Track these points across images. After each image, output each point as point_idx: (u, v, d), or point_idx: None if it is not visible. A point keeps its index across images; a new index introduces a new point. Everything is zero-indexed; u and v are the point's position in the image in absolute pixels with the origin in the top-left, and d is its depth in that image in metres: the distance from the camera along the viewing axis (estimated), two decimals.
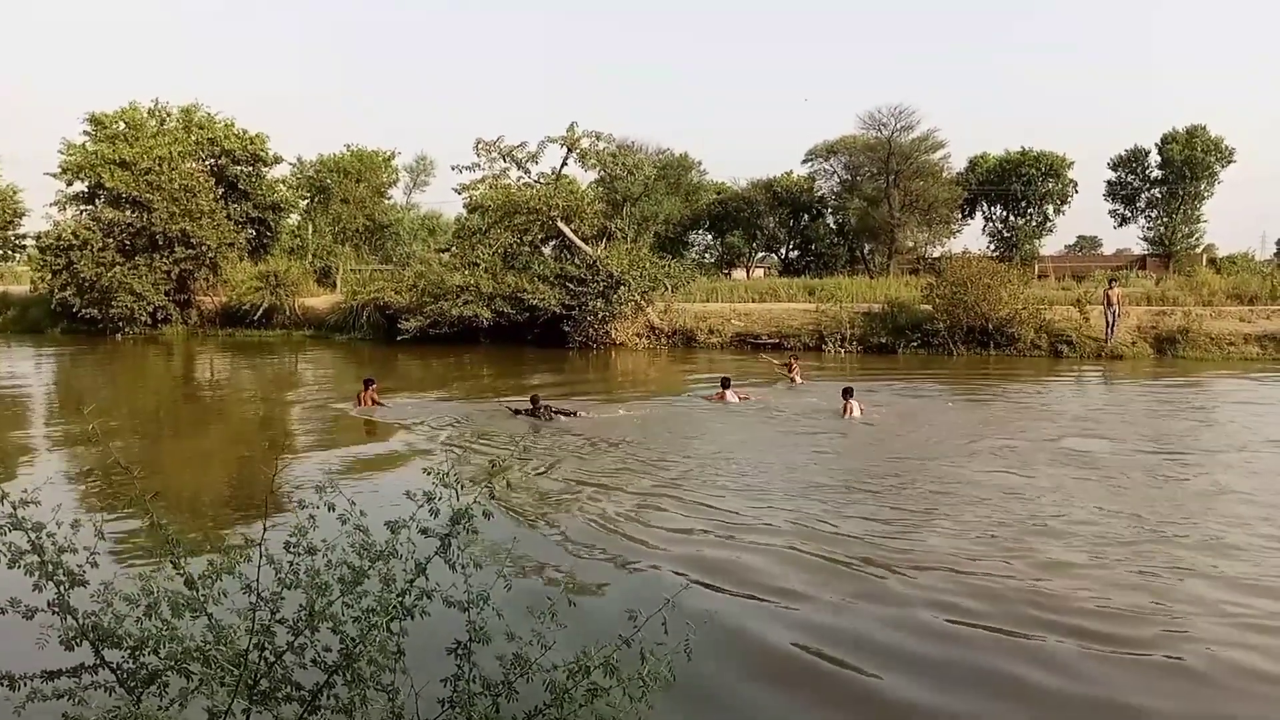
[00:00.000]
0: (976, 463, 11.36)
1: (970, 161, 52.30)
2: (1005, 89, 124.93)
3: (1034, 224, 51.50)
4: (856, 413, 14.72)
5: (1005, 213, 52.16)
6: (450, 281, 29.83)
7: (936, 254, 48.31)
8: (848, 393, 15.09)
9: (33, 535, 3.10)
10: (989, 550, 7.70)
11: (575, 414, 14.87)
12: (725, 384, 16.60)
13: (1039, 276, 37.41)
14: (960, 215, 51.72)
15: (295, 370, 25.46)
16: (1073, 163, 50.11)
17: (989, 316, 25.55)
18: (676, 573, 7.05)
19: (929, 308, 26.87)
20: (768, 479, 10.48)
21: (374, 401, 15.54)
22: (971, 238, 69.60)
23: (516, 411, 14.71)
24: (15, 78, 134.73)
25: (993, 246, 50.64)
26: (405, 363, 26.30)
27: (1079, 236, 70.71)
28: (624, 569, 7.31)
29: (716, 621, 5.48)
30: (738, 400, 16.32)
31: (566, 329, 28.90)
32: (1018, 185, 50.07)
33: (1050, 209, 51.26)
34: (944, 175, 48.70)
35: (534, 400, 14.69)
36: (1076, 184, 50.98)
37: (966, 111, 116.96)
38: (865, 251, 52.13)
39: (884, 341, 26.89)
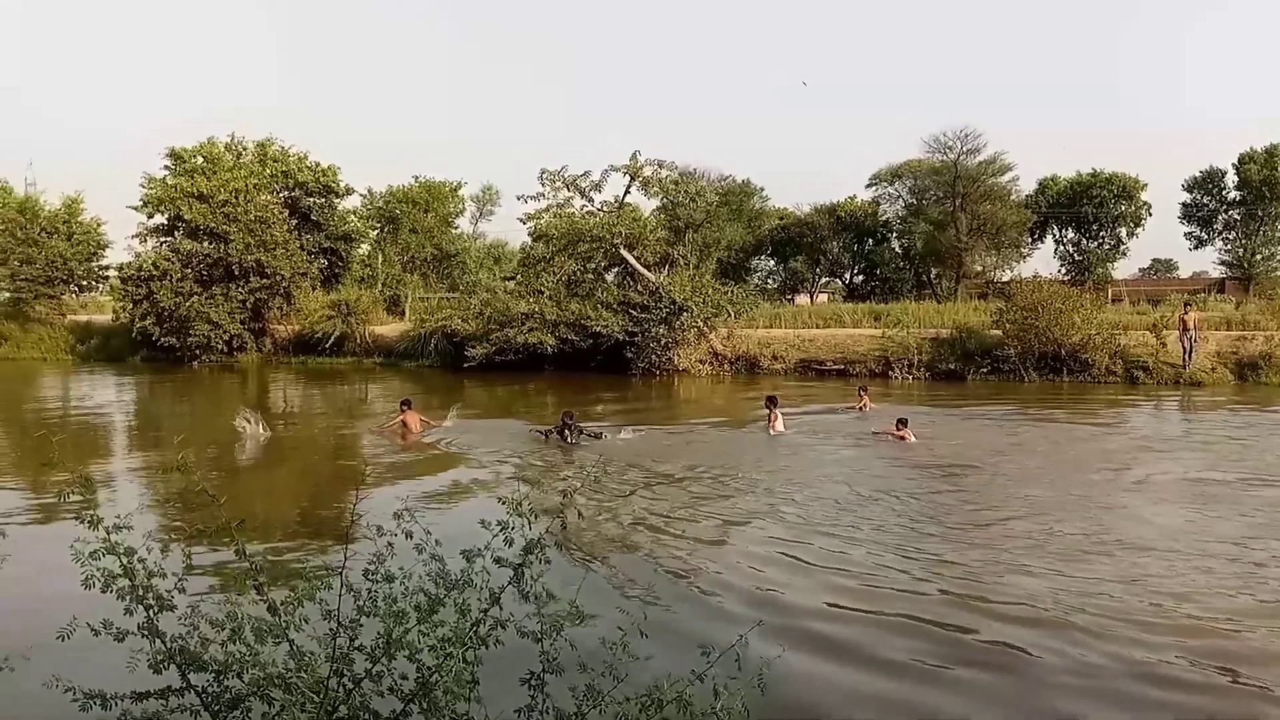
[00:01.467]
0: (1054, 493, 11.09)
1: (1040, 184, 51.37)
2: (1073, 110, 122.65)
3: (1106, 247, 50.30)
4: (911, 439, 14.85)
5: (1077, 236, 51.08)
6: (515, 309, 30.26)
7: (1006, 278, 47.44)
8: (902, 423, 15.19)
9: (125, 560, 3.22)
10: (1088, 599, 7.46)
11: (602, 435, 14.90)
12: (772, 402, 16.40)
13: (1113, 301, 36.57)
14: (1030, 238, 50.77)
15: (366, 397, 25.97)
16: (1146, 185, 48.97)
17: (1061, 342, 24.99)
18: (750, 609, 6.93)
19: (999, 333, 26.37)
20: (843, 512, 10.21)
21: (423, 423, 15.71)
22: (1042, 261, 68.29)
23: (545, 434, 14.67)
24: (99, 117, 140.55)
25: (1064, 270, 49.54)
26: (471, 389, 26.66)
27: (1153, 260, 69.15)
28: (696, 603, 7.21)
29: (786, 662, 5.40)
30: (782, 427, 16.07)
31: (629, 355, 29.03)
32: (1089, 208, 49.00)
33: (1123, 232, 50.07)
34: (1013, 198, 47.88)
35: (565, 417, 14.55)
36: (1150, 206, 49.75)
37: (1035, 133, 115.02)
38: (932, 276, 51.46)
39: (952, 368, 26.42)
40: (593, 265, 32.39)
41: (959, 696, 5.58)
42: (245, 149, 43.93)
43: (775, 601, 7.23)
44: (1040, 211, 49.98)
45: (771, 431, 15.81)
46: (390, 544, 3.27)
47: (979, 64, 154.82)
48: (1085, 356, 24.98)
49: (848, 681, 5.77)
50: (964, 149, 46.11)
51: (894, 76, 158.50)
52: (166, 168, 41.91)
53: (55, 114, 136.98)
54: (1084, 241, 50.73)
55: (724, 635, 3.51)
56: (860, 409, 18.78)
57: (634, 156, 31.65)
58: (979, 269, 50.11)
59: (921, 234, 49.45)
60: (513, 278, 37.96)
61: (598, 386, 25.86)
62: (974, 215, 46.39)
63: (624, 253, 31.14)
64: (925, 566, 7.99)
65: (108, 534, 3.25)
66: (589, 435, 14.70)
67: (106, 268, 45.14)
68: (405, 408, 15.71)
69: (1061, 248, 51.75)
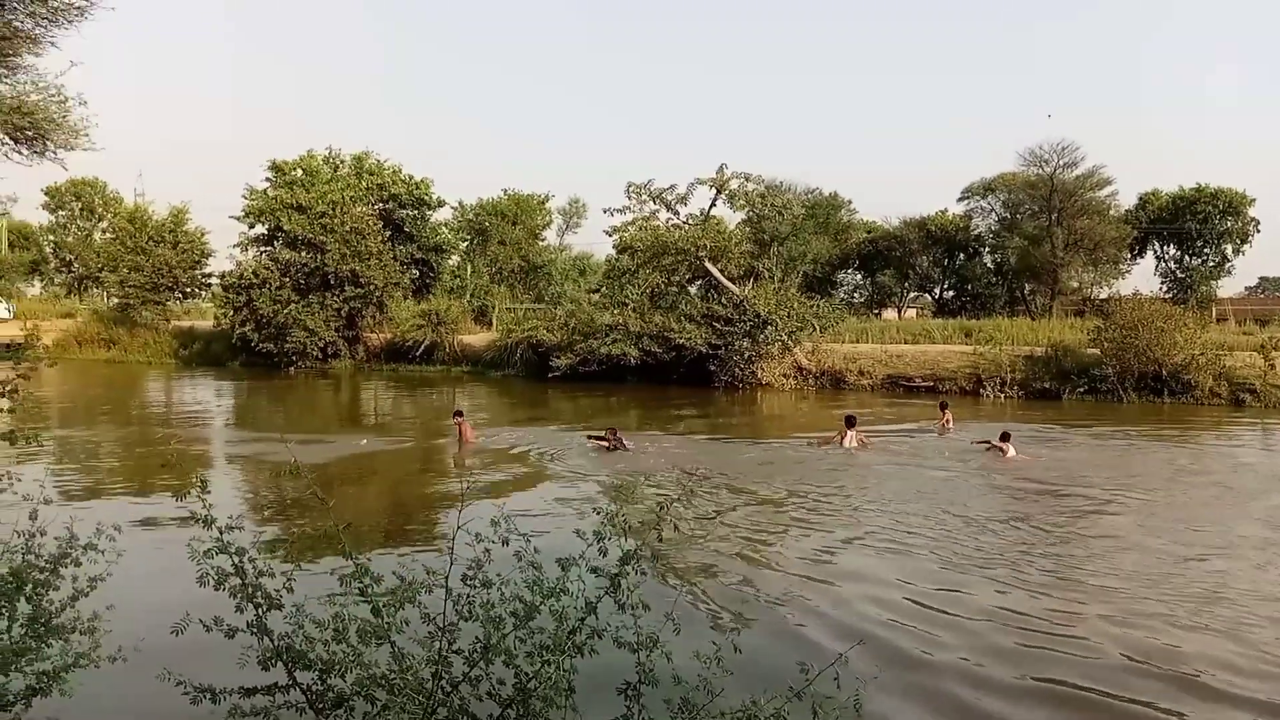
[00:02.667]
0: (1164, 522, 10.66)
1: (1140, 199, 49.51)
2: (1179, 124, 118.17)
3: (1211, 264, 48.08)
4: (1011, 452, 14.74)
5: (1179, 252, 49.02)
6: (599, 321, 30.57)
7: (1103, 295, 45.85)
8: (1005, 436, 15.03)
9: (236, 559, 3.36)
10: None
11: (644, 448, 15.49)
12: (850, 422, 16.28)
13: (1217, 320, 34.99)
14: (1129, 255, 48.93)
15: (454, 404, 26.48)
16: (1254, 200, 46.70)
17: (1162, 362, 24.05)
18: (849, 628, 6.84)
19: (1096, 352, 25.52)
20: (945, 538, 9.95)
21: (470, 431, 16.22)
22: (1142, 278, 65.59)
23: (596, 438, 15.39)
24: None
25: (1165, 288, 47.64)
26: (555, 399, 26.94)
27: (1260, 278, 65.85)
28: (792, 620, 7.13)
29: (886, 683, 5.31)
30: (857, 444, 15.93)
31: (712, 368, 28.98)
32: (1193, 224, 46.96)
33: (1229, 248, 47.78)
34: (1111, 213, 46.21)
35: (612, 431, 15.34)
36: (1259, 222, 47.41)
37: (1136, 147, 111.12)
38: (1026, 292, 50.00)
39: (1047, 387, 25.65)
40: (677, 278, 32.47)
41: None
42: (343, 162, 45.43)
43: (868, 625, 7.08)
44: (1140, 227, 48.13)
45: (842, 448, 15.73)
46: (488, 550, 3.35)
47: (1074, 75, 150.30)
48: (1188, 378, 24.00)
49: None
50: (1061, 162, 44.71)
51: (988, 89, 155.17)
52: (268, 179, 43.57)
53: (162, 125, 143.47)
54: (1187, 258, 48.64)
55: (813, 658, 3.46)
56: (943, 425, 18.42)
57: (720, 169, 31.72)
58: (1075, 285, 48.49)
59: (1015, 249, 48.11)
60: (597, 290, 38.30)
61: (679, 398, 25.87)
62: (1070, 230, 44.88)
63: (708, 265, 31.13)
64: (1029, 600, 7.75)
65: (220, 534, 3.41)
66: (628, 446, 15.28)
67: (209, 275, 47.06)
68: (458, 418, 16.25)
69: (1163, 264, 49.75)
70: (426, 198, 47.04)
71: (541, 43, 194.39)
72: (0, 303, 53.36)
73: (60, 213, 67.08)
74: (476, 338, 38.91)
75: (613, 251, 36.77)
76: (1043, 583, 8.12)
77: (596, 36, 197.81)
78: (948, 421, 18.50)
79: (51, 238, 67.71)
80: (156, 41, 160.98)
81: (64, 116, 15.65)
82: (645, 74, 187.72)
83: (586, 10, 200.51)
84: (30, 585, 3.58)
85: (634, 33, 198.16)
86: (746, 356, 28.56)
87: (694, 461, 14.28)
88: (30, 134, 15.47)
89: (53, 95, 15.54)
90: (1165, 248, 49.56)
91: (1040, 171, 45.26)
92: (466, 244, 53.61)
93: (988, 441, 15.20)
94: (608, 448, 14.98)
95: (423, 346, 37.30)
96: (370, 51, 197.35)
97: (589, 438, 15.58)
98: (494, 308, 44.02)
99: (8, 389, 4.33)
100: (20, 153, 15.77)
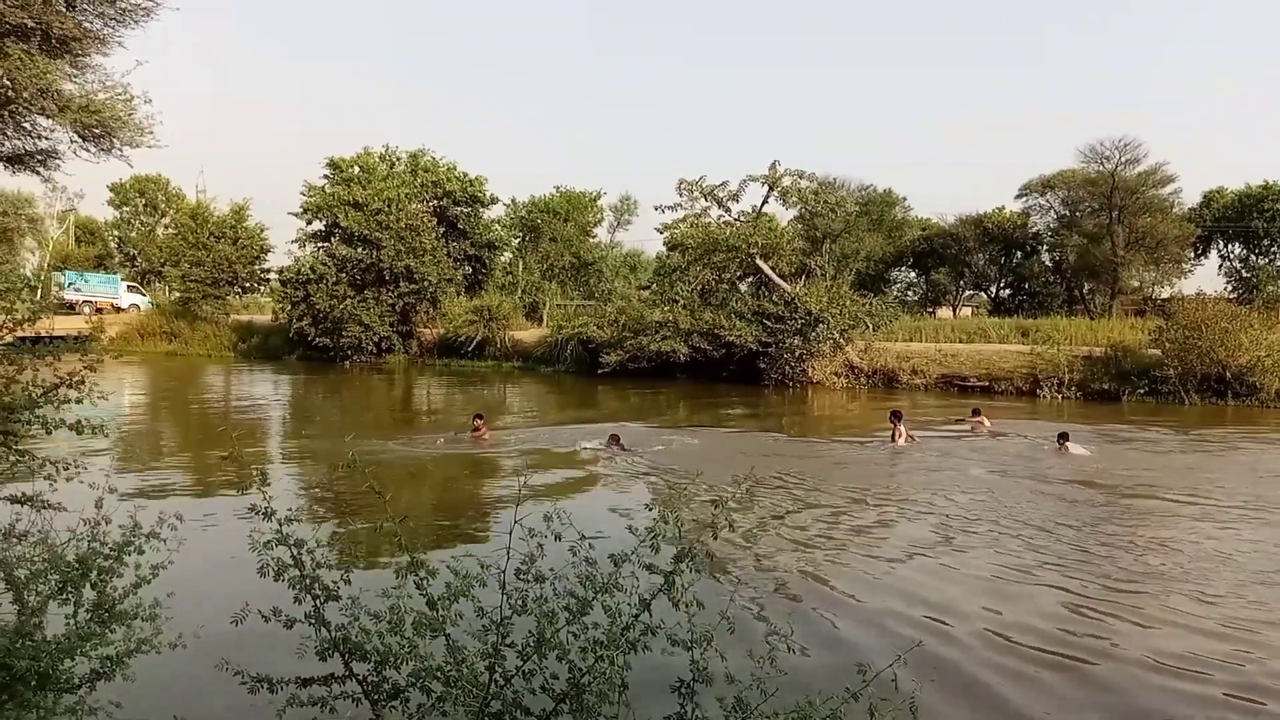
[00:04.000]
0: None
1: (1205, 196, 48.18)
2: (1247, 118, 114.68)
3: (1278, 263, 46.64)
4: (1074, 449, 14.73)
5: (1245, 251, 47.62)
6: (649, 317, 30.58)
7: (1165, 295, 44.72)
8: (1063, 437, 15.07)
9: (295, 551, 3.40)
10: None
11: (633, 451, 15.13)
12: (896, 416, 16.20)
13: None
14: (1193, 254, 47.65)
15: (505, 399, 26.66)
16: None
17: (1226, 364, 23.38)
18: (905, 631, 6.72)
19: (1157, 352, 24.88)
20: (1001, 538, 9.85)
21: (489, 432, 16.39)
22: (1205, 278, 64.03)
23: (588, 447, 15.21)
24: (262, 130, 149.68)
25: (1230, 288, 46.30)
26: (604, 395, 26.99)
27: None
28: (847, 621, 7.03)
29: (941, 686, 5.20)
30: (904, 441, 15.80)
31: (762, 366, 28.82)
32: (1260, 221, 45.55)
33: None
34: (1174, 211, 45.00)
35: (614, 438, 15.19)
36: None
37: (1202, 143, 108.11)
38: (1085, 291, 48.95)
39: (1106, 388, 25.08)
40: (728, 275, 32.33)
41: None
42: (398, 159, 46.02)
43: (924, 629, 6.92)
44: (1205, 225, 46.84)
45: (895, 445, 15.63)
46: (541, 546, 3.35)
47: (1138, 69, 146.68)
48: (1253, 380, 23.29)
49: None
50: (1122, 159, 43.64)
51: (1050, 85, 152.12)
52: (325, 176, 44.28)
53: (225, 123, 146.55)
54: (1253, 257, 47.24)
55: (869, 660, 3.39)
56: (976, 427, 17.97)
57: (773, 166, 31.51)
58: (1136, 285, 47.36)
59: (1074, 247, 47.10)
60: (648, 286, 38.33)
61: (729, 396, 25.75)
62: (1131, 228, 43.82)
63: (759, 262, 30.95)
64: (1093, 608, 7.55)
65: (280, 526, 3.45)
66: (631, 451, 15.06)
67: (268, 271, 47.95)
68: (479, 419, 16.61)
69: (1227, 264, 48.39)
70: (480, 195, 47.46)
71: (587, 50, 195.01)
72: (141, 295, 54.52)
73: (124, 208, 68.88)
74: (527, 334, 39.18)
75: (663, 248, 36.76)
76: (1110, 590, 7.87)
77: (644, 38, 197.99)
78: (982, 423, 18.14)
79: (116, 233, 69.57)
80: (217, 43, 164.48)
81: (130, 114, 16.04)
82: (694, 74, 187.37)
83: (626, 14, 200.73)
84: (95, 572, 3.66)
85: (680, 33, 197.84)
86: (797, 354, 28.33)
87: (702, 464, 13.93)
88: (97, 131, 15.88)
89: (119, 94, 15.94)
90: (1230, 246, 48.21)
91: (1101, 168, 44.25)
92: (518, 241, 53.99)
93: (1051, 442, 15.16)
94: (609, 453, 14.74)
95: (475, 342, 37.63)
96: (426, 54, 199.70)
97: (588, 446, 15.32)
98: (545, 304, 44.31)
99: (75, 379, 4.43)
100: (88, 150, 16.20)
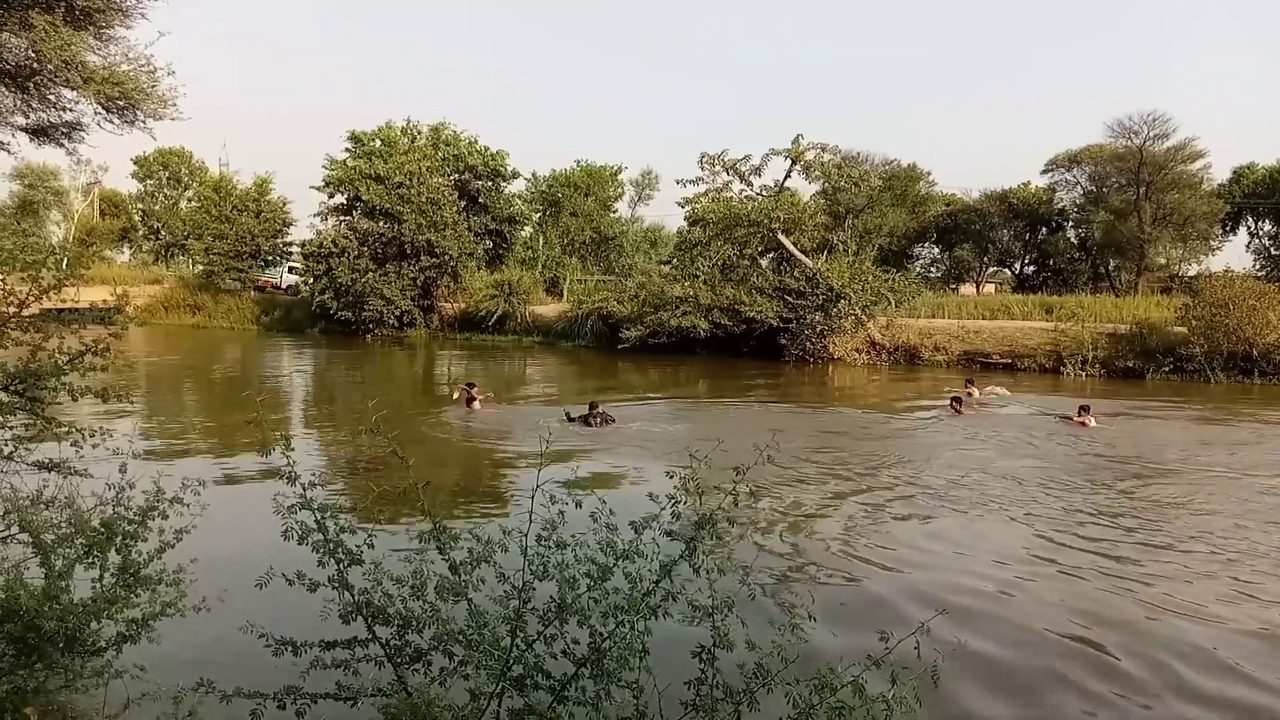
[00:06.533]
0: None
1: (1235, 172, 47.39)
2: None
3: None
4: (1092, 422, 14.93)
5: (1275, 228, 46.85)
6: (670, 293, 30.52)
7: (1192, 272, 44.17)
8: (1084, 409, 15.25)
9: (318, 515, 3.41)
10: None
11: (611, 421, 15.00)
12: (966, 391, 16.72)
13: None
14: (1221, 231, 46.95)
15: (524, 374, 26.72)
16: None
17: (1254, 342, 23.12)
18: (925, 597, 6.66)
19: (1183, 330, 24.62)
20: (1022, 505, 9.82)
21: (481, 401, 16.54)
22: (1234, 255, 63.18)
23: (572, 418, 14.96)
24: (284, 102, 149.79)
25: (1259, 265, 45.64)
26: (624, 370, 27.01)
27: None
28: (870, 590, 6.99)
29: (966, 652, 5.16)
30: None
31: (783, 342, 28.73)
32: None
33: None
34: (1203, 187, 44.28)
35: (591, 407, 14.98)
36: None
37: (1232, 118, 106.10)
38: (1110, 268, 48.41)
39: (1131, 365, 24.86)
40: (749, 250, 32.17)
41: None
42: (420, 133, 45.94)
43: (949, 596, 6.82)
44: (1234, 202, 46.08)
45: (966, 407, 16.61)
46: (562, 512, 3.35)
47: (1169, 44, 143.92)
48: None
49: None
50: (1151, 134, 42.91)
51: (1077, 59, 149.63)
52: (347, 150, 44.31)
53: (248, 96, 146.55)
54: None
55: (891, 628, 3.36)
56: (962, 401, 17.24)
57: (796, 140, 31.20)
58: (1162, 261, 46.76)
59: (1100, 223, 46.51)
60: (668, 262, 38.23)
61: (749, 371, 25.70)
62: (1159, 204, 43.19)
63: (781, 238, 30.76)
64: (1121, 583, 7.48)
65: (304, 490, 3.46)
66: (612, 421, 14.92)
67: (290, 244, 48.07)
68: (470, 388, 16.97)
69: (1257, 241, 47.70)
70: (502, 169, 47.35)
71: (610, 20, 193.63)
72: (298, 276, 49.40)
73: (148, 182, 69.19)
74: (548, 308, 39.23)
75: (684, 224, 36.60)
76: (1139, 567, 7.80)
77: (668, 8, 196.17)
78: (971, 393, 18.49)
79: (140, 206, 69.93)
80: (240, 15, 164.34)
81: (153, 86, 16.06)
82: (718, 47, 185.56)
83: None
84: (120, 537, 3.69)
85: (706, 3, 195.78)
86: (818, 330, 28.23)
87: (791, 438, 13.86)
88: (121, 104, 15.92)
89: (142, 65, 15.96)
90: (1260, 223, 47.48)
91: (1129, 143, 43.58)
92: (539, 215, 53.90)
93: (1069, 418, 15.18)
94: (591, 424, 14.58)
95: (495, 316, 37.75)
96: (453, 30, 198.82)
97: (569, 417, 15.05)
98: (565, 279, 44.33)
99: (100, 347, 4.47)
100: (112, 122, 16.24)
